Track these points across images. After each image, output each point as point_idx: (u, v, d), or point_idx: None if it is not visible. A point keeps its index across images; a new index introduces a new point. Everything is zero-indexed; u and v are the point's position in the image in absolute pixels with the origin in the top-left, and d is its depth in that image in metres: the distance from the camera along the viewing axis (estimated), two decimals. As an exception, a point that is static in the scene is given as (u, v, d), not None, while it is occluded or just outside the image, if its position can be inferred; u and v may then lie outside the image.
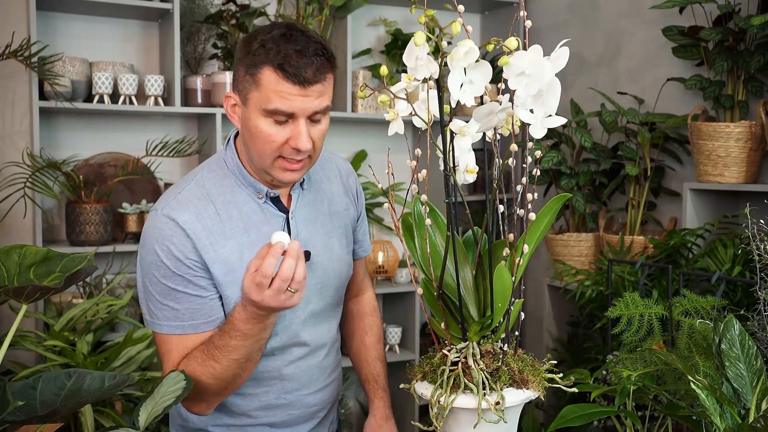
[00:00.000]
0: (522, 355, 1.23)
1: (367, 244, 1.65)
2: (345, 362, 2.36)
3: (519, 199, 1.27)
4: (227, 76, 2.86)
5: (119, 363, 2.14)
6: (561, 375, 1.23)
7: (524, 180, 1.19)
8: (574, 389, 1.23)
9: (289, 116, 1.28)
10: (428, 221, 1.16)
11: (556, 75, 1.01)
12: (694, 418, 1.26)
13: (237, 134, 1.44)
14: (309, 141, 1.30)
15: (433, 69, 1.02)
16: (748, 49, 2.23)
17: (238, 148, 1.42)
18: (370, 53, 3.48)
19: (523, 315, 1.21)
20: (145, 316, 1.40)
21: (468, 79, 1.04)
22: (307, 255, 1.42)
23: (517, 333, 1.21)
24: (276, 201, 1.42)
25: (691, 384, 1.18)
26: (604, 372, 1.98)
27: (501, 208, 1.23)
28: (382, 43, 3.54)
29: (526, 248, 1.14)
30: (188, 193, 1.37)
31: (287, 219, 1.43)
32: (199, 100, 2.93)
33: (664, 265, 2.01)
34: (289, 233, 1.41)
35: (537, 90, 1.01)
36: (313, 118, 1.31)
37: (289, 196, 1.45)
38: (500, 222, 1.19)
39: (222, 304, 1.37)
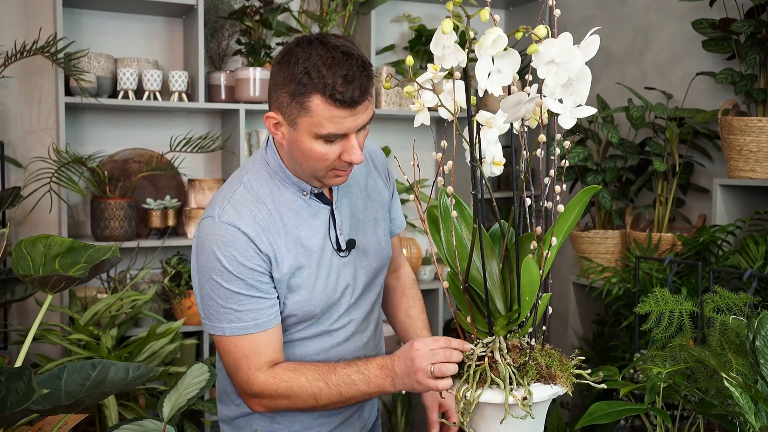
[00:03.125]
0: (549, 350, 1.21)
1: (400, 220, 1.68)
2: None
3: (546, 191, 1.25)
4: (251, 72, 2.86)
5: (143, 357, 2.15)
6: (589, 371, 1.21)
7: (551, 172, 1.17)
8: (603, 386, 1.21)
9: (341, 136, 1.32)
10: (455, 213, 1.15)
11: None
12: (730, 418, 1.23)
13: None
14: (361, 153, 1.35)
15: (460, 58, 1.01)
16: (781, 41, 2.18)
17: (279, 150, 1.44)
18: (394, 49, 3.46)
19: (550, 309, 1.19)
20: (204, 321, 1.43)
21: (496, 68, 1.02)
22: (352, 243, 1.49)
23: (544, 327, 1.20)
24: (319, 195, 1.47)
25: (725, 381, 1.15)
26: (632, 370, 1.96)
27: (528, 200, 1.21)
28: (405, 39, 3.52)
29: (554, 241, 1.12)
30: (240, 197, 1.41)
31: (332, 210, 1.47)
32: (223, 96, 2.94)
33: (693, 261, 1.98)
34: (335, 224, 1.46)
35: (567, 79, 0.99)
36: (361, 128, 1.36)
37: (330, 190, 1.49)
38: (527, 215, 1.18)
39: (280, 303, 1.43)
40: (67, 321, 2.57)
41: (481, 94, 1.05)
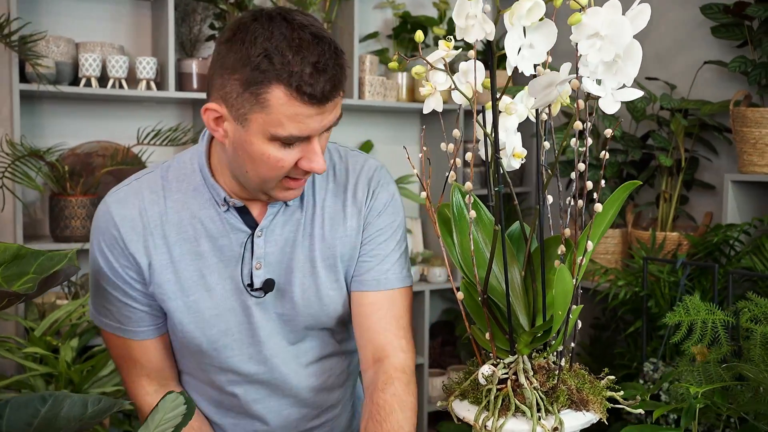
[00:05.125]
0: (579, 369, 1.07)
1: (387, 276, 1.25)
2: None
3: (571, 188, 1.11)
4: (225, 59, 2.69)
5: (107, 371, 1.98)
6: (621, 393, 1.08)
7: (581, 165, 1.03)
8: (640, 411, 1.07)
9: (303, 139, 1.09)
10: (473, 213, 1.00)
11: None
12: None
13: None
14: (324, 161, 1.11)
15: (488, 29, 0.87)
16: (799, 27, 2.07)
17: (213, 145, 1.21)
18: (377, 37, 3.32)
19: (579, 324, 1.05)
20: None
21: (528, 42, 0.88)
22: (270, 285, 1.21)
23: (573, 345, 1.06)
24: (242, 213, 1.21)
25: (778, 405, 1.02)
26: (646, 382, 1.83)
27: (550, 198, 1.08)
28: (389, 26, 3.38)
29: (589, 245, 0.98)
30: (145, 182, 1.21)
31: (252, 237, 1.20)
32: (195, 85, 2.77)
33: (709, 264, 1.86)
34: (252, 254, 1.20)
35: (613, 55, 0.85)
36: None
37: (263, 208, 1.22)
38: (560, 214, 1.04)
39: (161, 315, 1.24)
40: (23, 332, 2.38)
41: (509, 72, 0.90)
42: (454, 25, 0.87)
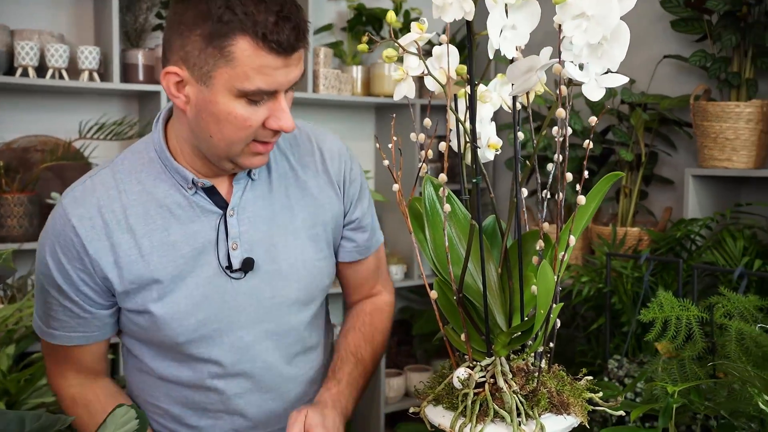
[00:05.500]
0: (558, 371, 1.03)
1: (370, 243, 1.35)
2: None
3: (548, 180, 1.07)
4: (173, 49, 2.58)
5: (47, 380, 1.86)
6: (600, 394, 1.04)
7: (557, 156, 0.99)
8: (621, 413, 1.04)
9: (269, 93, 1.07)
10: (447, 208, 0.95)
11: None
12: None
13: (170, 112, 1.18)
14: (291, 118, 1.10)
15: (467, 8, 0.81)
16: (759, 20, 2.08)
17: (168, 129, 1.17)
18: (332, 29, 3.24)
19: (558, 322, 1.01)
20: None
21: (510, 23, 0.82)
22: (249, 264, 1.17)
23: (551, 345, 1.01)
24: (211, 193, 1.17)
25: (761, 405, 0.99)
26: (612, 381, 1.81)
27: (525, 192, 1.03)
28: (344, 19, 3.31)
29: (572, 240, 0.93)
30: (99, 179, 1.16)
31: (224, 216, 1.17)
32: (141, 77, 2.65)
33: (674, 258, 1.85)
34: (226, 233, 1.16)
35: (600, 37, 0.81)
36: (289, 88, 1.10)
37: (230, 186, 1.19)
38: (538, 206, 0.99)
39: (109, 321, 1.20)
40: (-44, 337, 2.23)
41: (491, 55, 0.85)
42: (410, 17, 0.82)
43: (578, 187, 0.93)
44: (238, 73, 1.02)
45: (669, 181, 2.53)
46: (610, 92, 2.48)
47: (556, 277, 0.94)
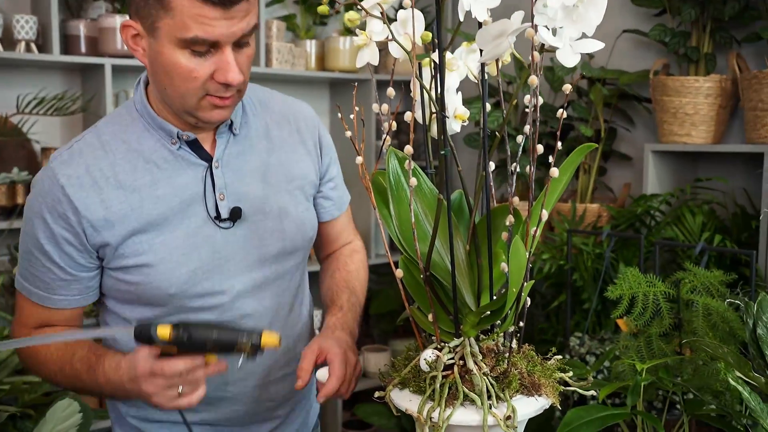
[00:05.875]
0: (528, 351, 1.00)
1: (344, 198, 1.44)
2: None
3: (518, 152, 1.03)
4: (118, 20, 2.47)
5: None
6: (570, 374, 1.01)
7: (527, 128, 0.95)
8: (592, 392, 1.01)
9: (212, 45, 1.09)
10: (414, 181, 0.90)
11: None
12: (730, 420, 1.07)
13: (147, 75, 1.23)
14: (239, 72, 1.11)
15: (436, -35, 0.75)
16: (719, -6, 2.08)
17: (149, 90, 1.21)
18: (284, 2, 3.15)
19: (528, 301, 0.98)
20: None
21: (482, -17, 0.78)
22: (237, 213, 1.21)
23: (521, 324, 0.98)
24: (195, 147, 1.21)
25: (732, 381, 0.98)
26: (574, 359, 1.80)
27: (492, 165, 0.99)
28: (296, -10, 3.21)
29: (544, 214, 0.89)
30: (84, 143, 1.19)
31: (210, 168, 1.21)
32: (83, 49, 2.53)
33: (636, 234, 1.84)
34: (213, 185, 1.20)
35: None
36: (239, 42, 1.12)
37: (214, 141, 1.23)
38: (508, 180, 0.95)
39: (91, 284, 1.21)
40: None
41: (461, 17, 0.80)
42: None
43: (551, 159, 0.89)
44: (177, 22, 1.06)
45: (627, 157, 2.54)
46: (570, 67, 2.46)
47: (528, 254, 0.91)
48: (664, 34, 2.18)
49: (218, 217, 1.20)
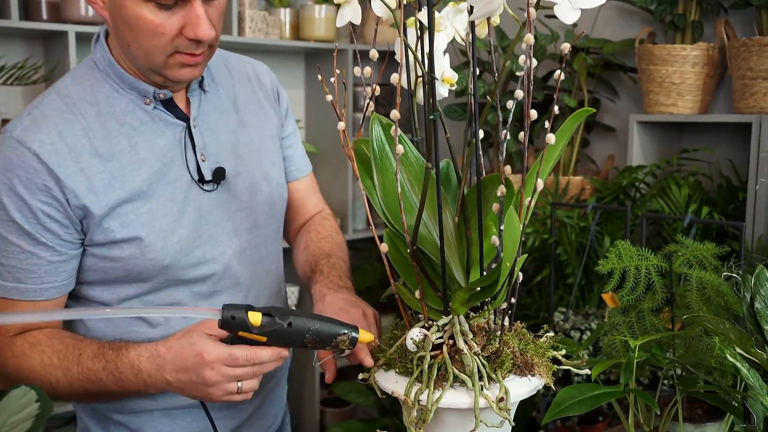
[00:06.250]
0: (520, 329, 0.95)
1: (304, 161, 1.38)
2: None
3: (507, 119, 0.98)
4: (80, -16, 2.36)
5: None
6: (563, 352, 0.97)
7: (519, 93, 0.90)
8: (587, 371, 0.97)
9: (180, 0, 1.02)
10: (400, 149, 0.84)
11: None
12: (735, 401, 1.04)
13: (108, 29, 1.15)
14: (210, 26, 1.04)
15: None
16: (707, -41, 2.03)
17: (111, 46, 1.13)
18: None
19: (521, 276, 0.93)
20: None
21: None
22: (221, 173, 1.16)
23: (513, 300, 0.93)
24: (170, 106, 1.14)
25: (729, 358, 0.95)
26: (558, 334, 1.77)
27: (481, 133, 0.94)
28: (269, -46, 3.11)
29: (539, 184, 0.84)
30: (47, 107, 1.09)
31: (188, 128, 1.15)
32: (45, 15, 2.43)
33: (621, 207, 1.81)
34: (193, 146, 1.14)
35: (577, -53, 0.71)
36: None
37: (187, 100, 1.17)
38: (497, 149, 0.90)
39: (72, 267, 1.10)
40: None
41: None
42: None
43: (547, 125, 0.84)
44: None
45: (611, 128, 2.50)
46: (553, 35, 2.41)
47: (521, 226, 0.86)
48: (650, 2, 2.13)
49: (201, 179, 1.14)
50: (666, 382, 1.21)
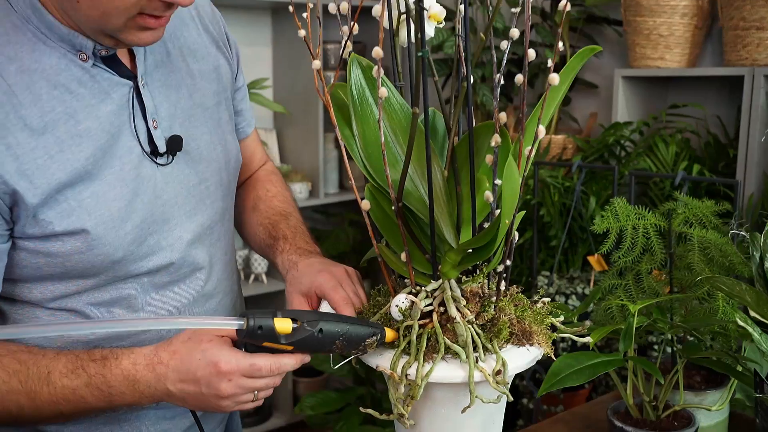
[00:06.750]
0: (516, 293, 0.87)
1: (251, 114, 1.21)
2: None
3: (502, 62, 0.89)
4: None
5: None
6: (561, 319, 0.89)
7: (514, 32, 0.82)
8: (588, 340, 0.90)
9: None
10: (383, 92, 0.74)
11: None
12: (743, 367, 0.97)
13: None
14: None
15: None
16: None
17: None
18: None
19: (516, 235, 0.84)
20: None
21: None
22: (177, 142, 0.97)
23: (509, 263, 0.85)
24: (112, 62, 0.93)
25: (740, 322, 0.88)
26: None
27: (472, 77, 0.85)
28: None
29: (541, 131, 0.76)
30: None
31: (135, 87, 0.94)
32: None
33: (608, 166, 1.73)
34: (143, 112, 0.95)
35: None
36: None
37: (130, 54, 0.96)
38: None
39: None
40: None
41: None
42: None
43: (550, 63, 0.75)
44: None
45: (593, 85, 2.42)
46: (533, -13, 2.31)
47: (521, 178, 0.77)
48: (636, -51, 2.04)
49: (154, 151, 0.95)
50: (656, 348, 1.15)
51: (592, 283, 1.80)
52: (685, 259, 1.14)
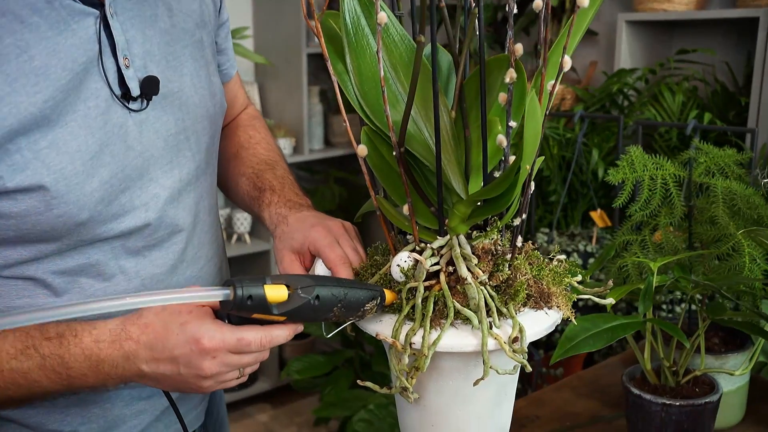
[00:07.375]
0: (531, 251, 0.78)
1: (233, 54, 1.10)
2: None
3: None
4: None
5: None
6: (579, 279, 0.81)
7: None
8: (611, 301, 0.82)
9: None
10: (382, 17, 0.64)
11: None
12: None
13: None
14: None
15: None
16: None
17: None
18: None
19: (533, 186, 0.75)
20: None
21: None
22: (154, 85, 0.86)
23: (524, 216, 0.76)
24: None
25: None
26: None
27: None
28: None
29: (566, 61, 0.66)
30: None
31: (103, 17, 0.82)
32: None
33: (613, 116, 1.64)
34: (112, 47, 0.83)
35: None
36: None
37: None
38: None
39: None
40: None
41: None
42: None
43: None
44: None
45: (593, 32, 2.31)
46: (531, -74, 2.19)
47: (543, 116, 0.68)
48: None
49: (126, 94, 0.85)
50: (664, 308, 1.07)
51: (594, 240, 1.72)
52: (707, 212, 1.06)
